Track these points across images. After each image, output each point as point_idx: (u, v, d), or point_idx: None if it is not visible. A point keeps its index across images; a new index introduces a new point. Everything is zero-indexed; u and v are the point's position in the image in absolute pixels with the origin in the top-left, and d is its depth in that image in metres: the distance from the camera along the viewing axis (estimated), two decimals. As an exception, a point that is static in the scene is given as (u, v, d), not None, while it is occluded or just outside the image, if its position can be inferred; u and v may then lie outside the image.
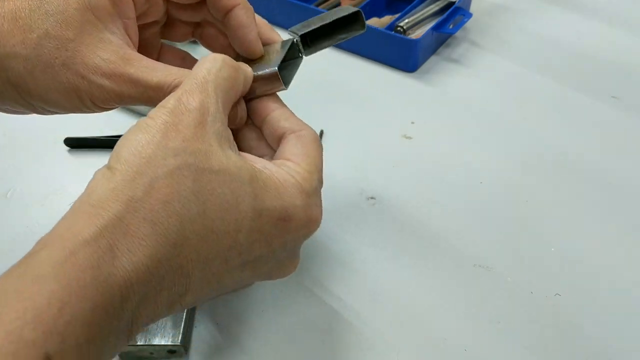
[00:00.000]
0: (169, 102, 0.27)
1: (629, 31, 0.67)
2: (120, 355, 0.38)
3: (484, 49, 0.65)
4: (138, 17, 0.33)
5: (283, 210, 0.28)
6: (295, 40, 0.35)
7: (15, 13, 0.29)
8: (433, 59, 0.64)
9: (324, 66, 0.63)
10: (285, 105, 0.34)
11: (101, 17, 0.30)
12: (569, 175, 0.50)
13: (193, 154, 0.25)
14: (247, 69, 0.32)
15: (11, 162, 0.53)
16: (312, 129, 0.32)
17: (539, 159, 0.52)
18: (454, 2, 0.65)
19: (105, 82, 0.29)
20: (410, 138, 0.54)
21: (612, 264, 0.43)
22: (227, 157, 0.27)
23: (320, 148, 0.32)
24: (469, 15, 0.64)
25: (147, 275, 0.24)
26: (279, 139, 0.32)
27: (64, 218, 0.25)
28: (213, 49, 0.38)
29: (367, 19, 0.66)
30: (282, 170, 0.29)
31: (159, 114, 0.26)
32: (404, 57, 0.61)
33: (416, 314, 0.40)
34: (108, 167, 0.26)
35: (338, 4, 0.68)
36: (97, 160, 0.53)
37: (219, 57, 0.30)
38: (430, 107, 0.58)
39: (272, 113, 0.33)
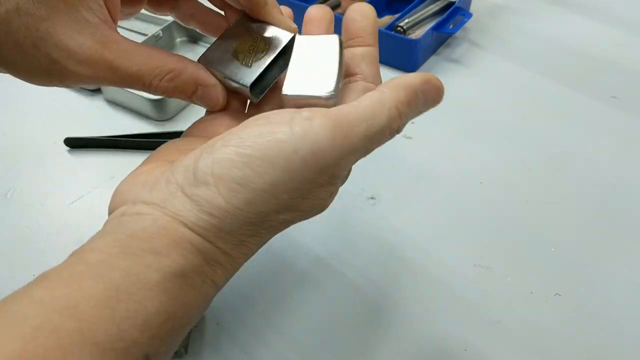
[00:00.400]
0: (325, 149, 0.24)
1: (629, 31, 0.67)
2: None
3: (484, 49, 0.65)
4: None
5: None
6: (293, 35, 0.32)
7: None
8: (433, 59, 0.64)
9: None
10: (377, 45, 0.32)
11: None
12: (569, 175, 0.50)
13: (304, 212, 0.26)
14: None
15: (11, 162, 0.53)
16: (380, 83, 0.31)
17: (538, 158, 0.52)
18: (454, 2, 0.65)
19: (80, 69, 0.27)
20: (410, 138, 0.54)
21: (612, 264, 0.43)
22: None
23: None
24: (469, 15, 0.64)
25: (227, 280, 0.26)
26: (349, 75, 0.32)
27: (159, 234, 0.24)
28: (204, 28, 0.36)
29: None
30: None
31: (310, 163, 0.24)
32: (404, 57, 0.61)
33: (416, 314, 0.40)
34: (222, 194, 0.24)
35: (338, 5, 0.68)
36: (97, 160, 0.53)
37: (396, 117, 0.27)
38: (430, 107, 0.58)
39: (360, 49, 0.31)
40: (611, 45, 0.65)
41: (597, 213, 0.47)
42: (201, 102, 0.31)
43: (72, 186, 0.51)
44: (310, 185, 0.25)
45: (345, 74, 0.31)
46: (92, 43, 0.27)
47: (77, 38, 0.27)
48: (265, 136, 0.24)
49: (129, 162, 0.52)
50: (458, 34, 0.67)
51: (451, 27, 0.62)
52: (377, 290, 0.42)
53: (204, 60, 0.31)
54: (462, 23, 0.62)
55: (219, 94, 0.31)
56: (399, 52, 0.61)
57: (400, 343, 0.39)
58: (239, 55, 0.31)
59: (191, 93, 0.30)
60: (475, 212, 0.47)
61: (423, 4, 0.66)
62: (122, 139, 0.54)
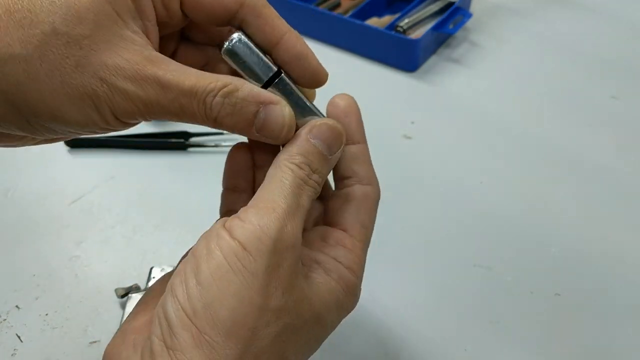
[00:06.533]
0: (268, 225, 0.24)
1: (629, 31, 0.67)
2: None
3: (484, 49, 0.65)
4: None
5: (333, 326, 0.29)
6: None
7: (10, 5, 0.23)
8: (433, 59, 0.64)
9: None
10: (366, 140, 0.31)
11: (121, 12, 0.25)
12: (569, 175, 0.50)
13: (291, 313, 0.25)
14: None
15: (11, 162, 0.53)
16: (377, 183, 0.31)
17: (538, 158, 0.52)
18: (454, 2, 0.65)
19: (129, 86, 0.24)
20: (410, 138, 0.54)
21: (612, 264, 0.43)
22: (315, 300, 0.26)
23: (376, 212, 0.31)
24: (469, 15, 0.64)
25: None
26: (342, 179, 0.31)
27: None
28: None
29: (367, 19, 0.66)
30: (334, 277, 0.29)
31: (260, 247, 0.24)
32: (404, 57, 0.61)
33: (416, 314, 0.40)
34: (201, 330, 0.23)
35: (338, 5, 0.68)
36: (97, 160, 0.53)
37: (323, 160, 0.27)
38: (430, 107, 0.58)
39: (350, 148, 0.31)
40: (611, 45, 0.65)
41: (597, 212, 0.47)
42: (264, 131, 0.27)
43: (72, 186, 0.51)
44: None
45: (340, 177, 0.30)
46: (140, 59, 0.25)
47: (124, 54, 0.24)
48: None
49: (129, 162, 0.53)
50: (458, 34, 0.67)
51: (451, 27, 0.62)
52: (377, 289, 0.42)
53: None
54: (462, 23, 0.62)
55: (285, 115, 0.27)
56: (399, 52, 0.61)
57: (400, 343, 0.39)
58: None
59: (252, 115, 0.26)
60: (475, 212, 0.47)
61: (423, 4, 0.66)
62: (122, 139, 0.54)
